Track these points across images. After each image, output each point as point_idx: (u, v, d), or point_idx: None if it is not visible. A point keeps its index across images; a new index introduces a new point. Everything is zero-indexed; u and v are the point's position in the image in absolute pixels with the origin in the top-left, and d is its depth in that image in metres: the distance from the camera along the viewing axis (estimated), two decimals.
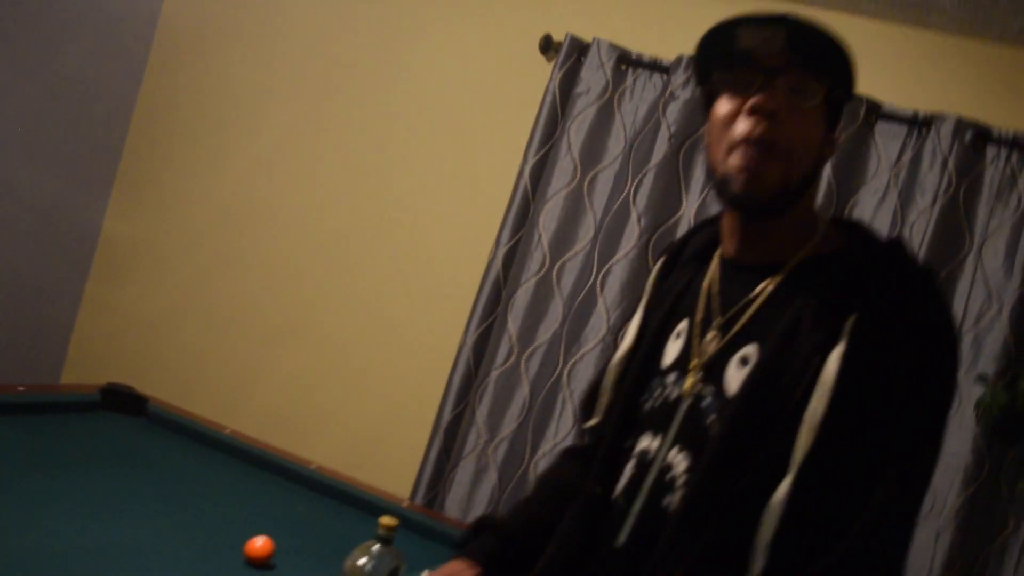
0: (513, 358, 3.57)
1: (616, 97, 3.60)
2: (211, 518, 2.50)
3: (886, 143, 3.37)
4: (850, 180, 3.39)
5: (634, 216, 3.48)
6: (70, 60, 4.06)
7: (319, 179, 4.11)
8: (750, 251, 1.59)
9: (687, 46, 3.35)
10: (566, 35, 3.66)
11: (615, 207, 3.54)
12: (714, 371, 1.54)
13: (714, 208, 3.42)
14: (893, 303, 1.43)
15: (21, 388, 2.92)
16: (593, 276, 3.55)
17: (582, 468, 1.78)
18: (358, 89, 4.09)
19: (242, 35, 4.28)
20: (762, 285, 1.54)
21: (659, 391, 1.63)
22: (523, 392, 3.56)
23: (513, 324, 3.56)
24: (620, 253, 3.49)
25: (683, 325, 1.65)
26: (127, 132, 4.39)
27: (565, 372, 3.52)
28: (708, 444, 1.49)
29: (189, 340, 4.16)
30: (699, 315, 1.62)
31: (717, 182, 1.55)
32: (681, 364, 1.61)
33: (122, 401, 3.12)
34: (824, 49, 1.47)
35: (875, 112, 3.35)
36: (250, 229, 4.17)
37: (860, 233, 1.58)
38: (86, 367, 4.24)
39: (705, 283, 1.64)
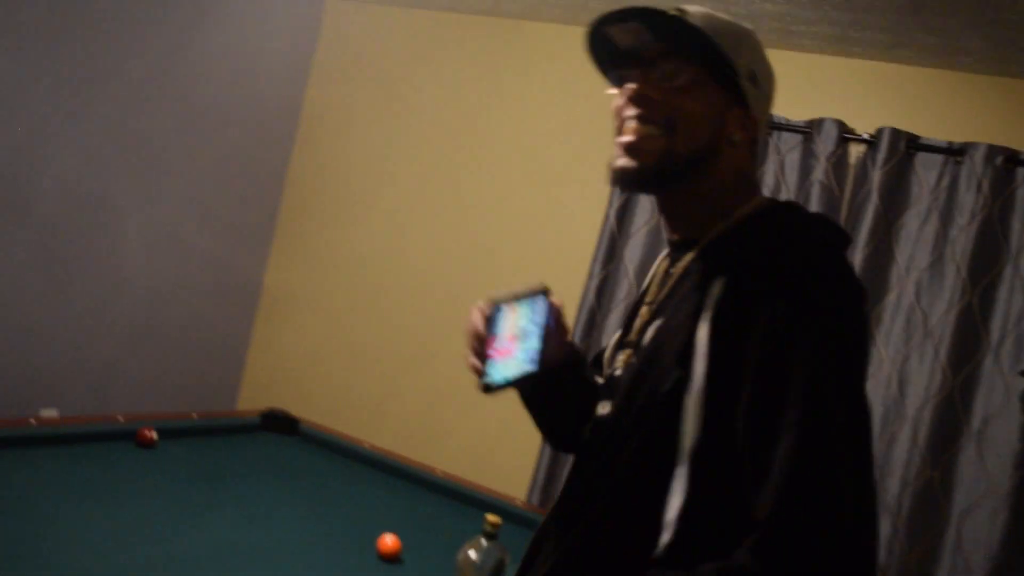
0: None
1: None
2: (350, 520, 2.58)
3: (926, 171, 3.43)
4: (896, 206, 3.44)
5: None
6: (231, 141, 4.45)
7: (440, 227, 4.33)
8: (675, 229, 1.48)
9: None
10: None
11: None
12: (639, 345, 1.43)
13: None
14: (757, 264, 1.28)
15: (194, 415, 2.94)
16: None
17: None
18: (469, 151, 4.30)
19: (370, 113, 4.55)
20: (683, 261, 1.42)
21: (616, 364, 1.52)
22: None
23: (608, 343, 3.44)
24: None
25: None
26: (280, 198, 4.71)
27: None
28: (610, 414, 1.42)
29: (336, 369, 4.40)
30: (650, 295, 1.51)
31: (609, 164, 1.43)
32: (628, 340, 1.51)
33: (278, 423, 3.13)
34: (684, 33, 1.36)
35: (914, 144, 3.43)
36: (384, 273, 4.43)
37: (773, 208, 1.42)
38: (256, 395, 4.39)
39: (663, 264, 1.52)
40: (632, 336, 1.48)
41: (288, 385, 4.48)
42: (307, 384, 4.45)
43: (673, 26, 1.36)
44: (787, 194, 3.46)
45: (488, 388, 1.52)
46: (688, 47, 1.37)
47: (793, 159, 3.49)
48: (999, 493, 3.14)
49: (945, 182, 3.32)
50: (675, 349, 1.29)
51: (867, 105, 3.51)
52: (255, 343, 4.68)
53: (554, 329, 1.63)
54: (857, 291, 1.29)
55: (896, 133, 3.34)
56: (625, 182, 1.43)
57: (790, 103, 3.54)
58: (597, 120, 3.94)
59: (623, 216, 3.73)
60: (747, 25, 1.45)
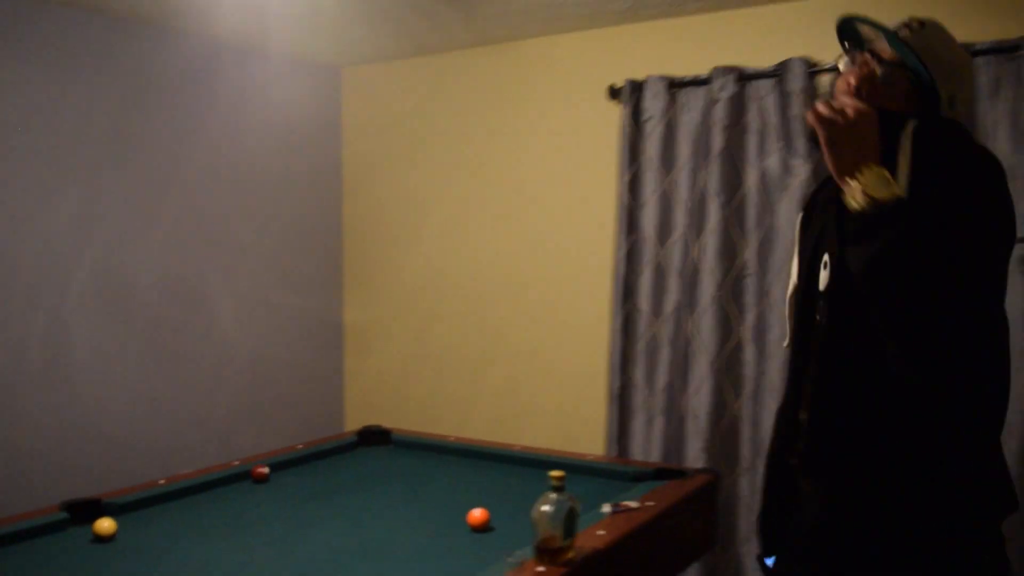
0: (651, 329, 3.49)
1: (675, 113, 3.55)
2: (441, 504, 2.62)
3: None
4: None
5: (711, 197, 3.37)
6: (289, 207, 4.54)
7: (481, 240, 4.36)
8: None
9: (717, 59, 3.24)
10: (625, 81, 3.76)
11: (696, 195, 3.55)
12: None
13: (773, 176, 3.28)
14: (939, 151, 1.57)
15: (299, 446, 3.00)
16: (692, 250, 3.59)
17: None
18: (492, 167, 4.33)
19: (402, 154, 4.60)
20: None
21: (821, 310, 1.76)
22: (665, 352, 3.56)
23: (644, 303, 3.66)
24: (708, 228, 3.48)
25: (826, 258, 1.71)
26: (342, 245, 4.78)
27: (691, 329, 3.40)
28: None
29: (423, 380, 4.51)
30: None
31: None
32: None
33: (373, 437, 3.17)
34: (910, 56, 1.66)
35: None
36: (443, 290, 4.47)
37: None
38: (358, 416, 4.46)
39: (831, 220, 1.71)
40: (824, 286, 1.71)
41: (384, 402, 4.57)
42: (399, 398, 4.53)
43: (903, 44, 1.64)
44: (771, 132, 3.41)
45: None
46: (907, 65, 1.65)
47: (771, 102, 3.41)
48: None
49: None
50: None
51: (830, 37, 3.41)
52: (348, 372, 4.76)
53: None
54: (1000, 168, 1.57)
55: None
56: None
57: (759, 53, 3.48)
58: (594, 111, 3.96)
59: (633, 187, 3.70)
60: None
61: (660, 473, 2.76)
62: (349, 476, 2.92)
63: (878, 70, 1.66)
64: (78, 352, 3.56)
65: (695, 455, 3.47)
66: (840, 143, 1.53)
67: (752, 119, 3.46)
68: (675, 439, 3.57)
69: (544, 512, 1.95)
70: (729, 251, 3.47)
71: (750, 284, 3.45)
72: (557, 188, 4.06)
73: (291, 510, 2.53)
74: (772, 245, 3.41)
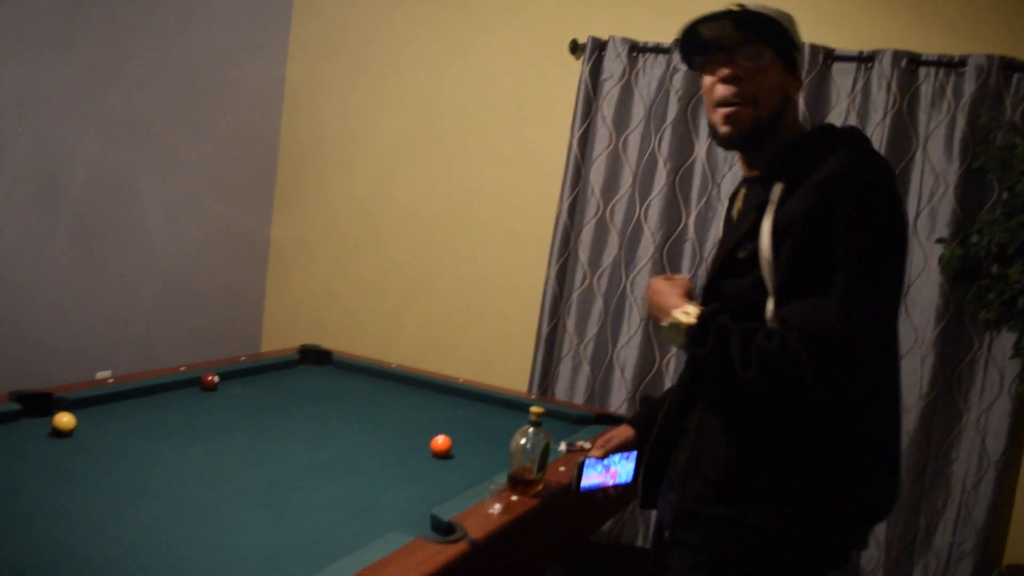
0: (587, 280, 3.68)
1: (633, 77, 3.67)
2: (399, 429, 2.60)
3: (842, 79, 3.48)
4: (819, 110, 3.51)
5: (660, 163, 3.59)
6: (228, 118, 4.38)
7: (423, 173, 4.30)
8: (754, 168, 1.71)
9: (678, 32, 3.29)
10: (588, 37, 3.78)
11: (645, 158, 3.71)
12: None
13: (721, 151, 3.38)
14: (807, 164, 1.52)
15: (243, 358, 2.94)
16: (637, 211, 3.72)
17: None
18: (442, 101, 4.25)
19: (347, 77, 4.46)
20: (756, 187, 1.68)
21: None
22: (598, 304, 3.69)
23: (583, 255, 3.65)
24: (655, 191, 3.63)
25: None
26: (276, 163, 4.55)
27: (627, 285, 3.53)
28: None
29: (347, 305, 4.37)
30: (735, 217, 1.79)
31: (712, 132, 1.69)
32: None
33: (315, 356, 3.12)
34: (762, 24, 1.60)
35: (831, 56, 3.52)
36: (378, 217, 4.40)
37: (815, 129, 1.67)
38: (276, 337, 4.41)
39: (743, 193, 1.77)
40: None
41: (303, 324, 4.47)
42: (318, 320, 4.44)
43: (754, 19, 1.59)
44: None
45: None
46: (763, 34, 1.60)
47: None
48: (925, 343, 3.28)
49: (859, 86, 3.36)
50: (744, 230, 1.59)
51: (796, 18, 3.51)
52: (270, 291, 4.63)
53: (615, 447, 2.03)
54: (887, 167, 1.52)
55: (814, 48, 3.37)
56: (728, 145, 1.68)
57: None
58: (553, 62, 3.94)
59: (584, 143, 3.72)
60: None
61: (600, 418, 2.85)
62: (298, 392, 2.88)
63: (741, 61, 1.60)
64: (3, 237, 3.34)
65: (618, 405, 3.58)
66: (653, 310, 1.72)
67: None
68: (600, 387, 3.66)
69: (521, 445, 2.00)
70: (673, 216, 3.55)
71: (687, 249, 3.55)
72: (506, 133, 4.02)
73: (247, 420, 2.48)
74: (713, 215, 3.52)
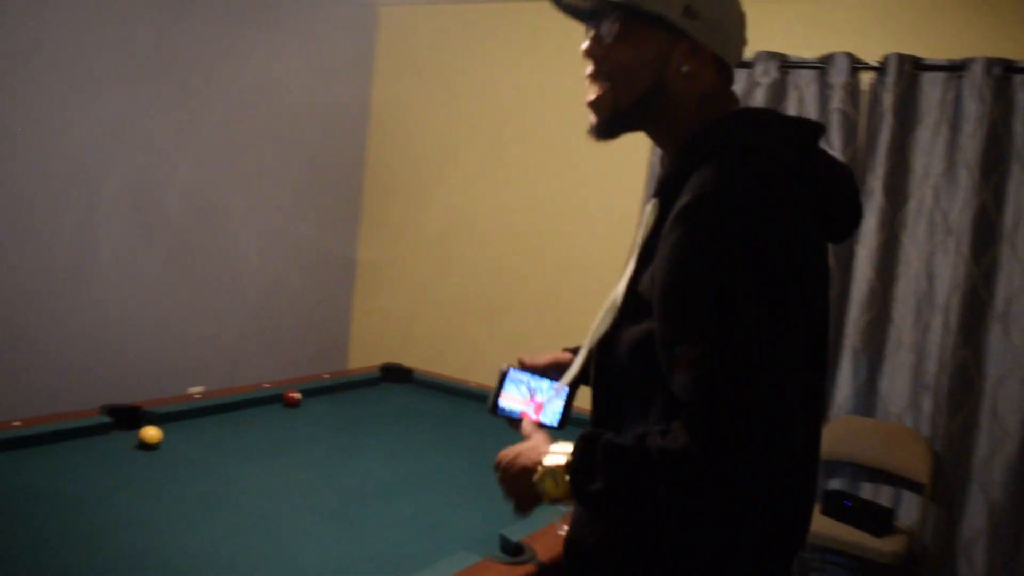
0: None
1: None
2: (474, 449, 2.59)
3: (931, 88, 3.38)
4: (908, 122, 3.41)
5: None
6: (315, 142, 4.52)
7: (507, 193, 4.33)
8: (666, 160, 1.32)
9: (761, 44, 3.23)
10: None
11: None
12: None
13: None
14: (686, 172, 1.16)
15: (326, 375, 2.98)
16: None
17: None
18: (521, 124, 4.29)
19: (430, 101, 4.54)
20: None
21: None
22: None
23: None
24: None
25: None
26: (362, 185, 4.70)
27: None
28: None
29: (431, 324, 4.39)
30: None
31: None
32: None
33: (396, 374, 3.14)
34: None
35: (919, 65, 3.39)
36: (462, 237, 4.45)
37: (720, 119, 1.24)
38: (363, 354, 4.43)
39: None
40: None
41: (388, 342, 4.53)
42: (405, 338, 4.50)
43: None
44: None
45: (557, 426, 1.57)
46: (609, 4, 1.26)
47: (811, 93, 3.42)
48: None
49: (950, 96, 3.25)
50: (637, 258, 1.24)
51: (873, 35, 3.43)
52: (357, 309, 4.72)
53: (548, 367, 1.62)
54: (772, 196, 1.11)
55: (902, 58, 3.27)
56: (594, 135, 1.35)
57: (803, 43, 3.48)
58: None
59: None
60: None
61: None
62: (378, 410, 2.89)
63: (595, 31, 1.30)
64: (103, 260, 3.49)
65: None
66: (514, 498, 1.34)
67: (790, 107, 3.46)
68: None
69: None
70: None
71: None
72: (590, 152, 3.99)
73: (328, 436, 2.52)
74: None
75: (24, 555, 1.56)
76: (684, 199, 1.11)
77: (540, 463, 1.24)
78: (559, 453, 1.22)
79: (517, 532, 1.80)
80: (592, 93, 1.31)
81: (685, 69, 1.24)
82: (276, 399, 2.75)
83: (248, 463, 2.21)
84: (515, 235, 4.23)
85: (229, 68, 3.86)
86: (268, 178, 4.13)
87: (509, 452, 1.35)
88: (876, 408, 3.34)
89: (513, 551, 1.74)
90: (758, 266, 1.07)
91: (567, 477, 1.18)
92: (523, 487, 1.29)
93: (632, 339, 1.20)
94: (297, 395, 2.75)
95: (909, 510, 3.30)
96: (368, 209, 4.68)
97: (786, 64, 3.47)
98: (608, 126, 1.31)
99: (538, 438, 1.35)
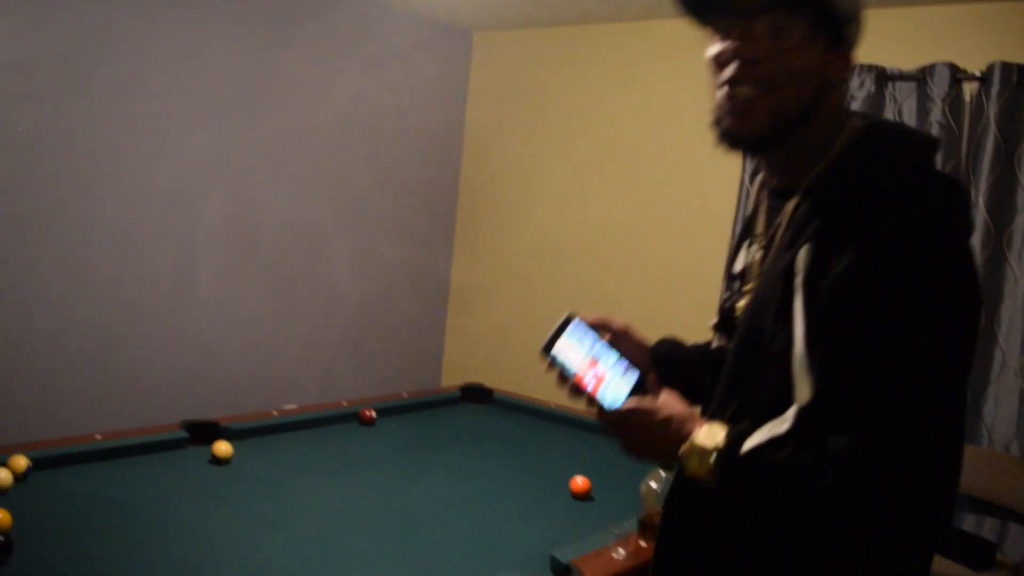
0: None
1: None
2: (544, 469, 2.59)
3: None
4: (1014, 135, 3.17)
5: None
6: (409, 165, 4.55)
7: (599, 215, 4.30)
8: (777, 177, 1.24)
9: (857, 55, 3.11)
10: None
11: None
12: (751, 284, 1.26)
13: None
14: (851, 204, 1.07)
15: (404, 394, 3.01)
16: None
17: None
18: (611, 145, 4.24)
19: (522, 123, 4.56)
20: (788, 207, 1.19)
21: (728, 295, 1.35)
22: None
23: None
24: None
25: (752, 242, 1.32)
26: (456, 207, 4.73)
27: None
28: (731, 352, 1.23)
29: (521, 343, 4.29)
30: (758, 236, 1.30)
31: (712, 122, 1.20)
32: (743, 276, 1.31)
33: (475, 394, 3.14)
34: None
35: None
36: (553, 259, 4.44)
37: (862, 144, 1.15)
38: (456, 373, 4.50)
39: (762, 208, 1.30)
40: (738, 269, 1.32)
41: (481, 361, 4.55)
42: (496, 359, 4.50)
43: None
44: None
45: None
46: (796, 1, 1.12)
47: (910, 105, 3.25)
48: None
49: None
50: (774, 309, 1.12)
51: (975, 44, 3.24)
52: (450, 330, 4.76)
53: (620, 335, 1.48)
54: (954, 201, 1.10)
55: (1006, 67, 3.07)
56: (735, 144, 1.19)
57: (902, 54, 3.32)
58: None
59: (754, 176, 3.56)
60: None
61: None
62: (452, 430, 2.88)
63: (761, 35, 1.13)
64: (202, 284, 3.63)
65: None
66: (635, 449, 1.25)
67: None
68: None
69: (652, 488, 1.91)
70: None
71: None
72: (681, 172, 3.95)
73: (398, 456, 2.53)
74: None
75: (79, 562, 1.62)
76: (860, 230, 1.04)
77: (692, 438, 1.15)
78: (712, 435, 1.13)
79: (568, 553, 1.76)
80: (742, 97, 1.15)
81: (836, 80, 1.17)
82: (352, 417, 2.79)
83: (314, 480, 2.24)
84: (604, 257, 4.19)
85: (324, 96, 3.97)
86: (363, 202, 4.22)
87: (655, 403, 1.22)
88: (980, 435, 3.11)
89: (562, 572, 1.71)
90: (950, 315, 1.04)
91: (712, 461, 1.11)
92: (656, 440, 1.20)
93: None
94: (372, 413, 2.77)
95: (1015, 543, 3.06)
96: (461, 231, 4.72)
97: (883, 76, 3.31)
98: (766, 138, 1.17)
99: (684, 408, 1.22)
